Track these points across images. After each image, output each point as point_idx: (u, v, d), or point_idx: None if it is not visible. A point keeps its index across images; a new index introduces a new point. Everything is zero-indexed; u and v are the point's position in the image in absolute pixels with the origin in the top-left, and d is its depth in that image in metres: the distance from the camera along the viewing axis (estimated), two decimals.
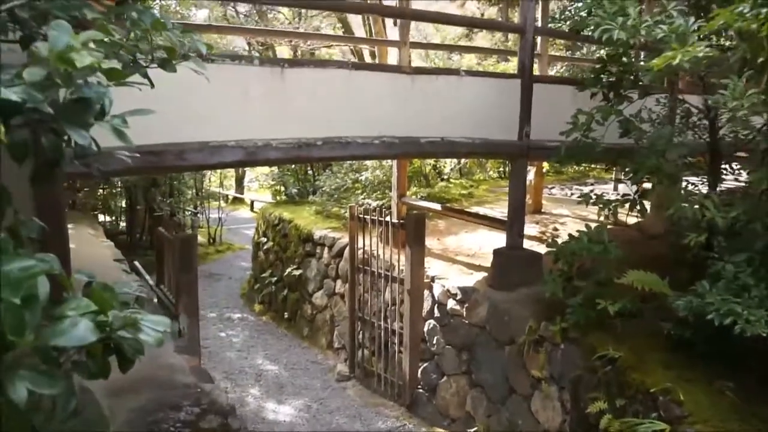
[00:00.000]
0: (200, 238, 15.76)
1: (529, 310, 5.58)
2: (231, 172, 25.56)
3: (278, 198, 12.62)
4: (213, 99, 4.52)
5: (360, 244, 7.58)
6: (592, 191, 5.29)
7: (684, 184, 5.51)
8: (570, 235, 5.22)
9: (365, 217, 7.41)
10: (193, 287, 5.35)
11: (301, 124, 4.87)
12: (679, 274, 4.93)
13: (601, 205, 4.98)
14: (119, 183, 12.50)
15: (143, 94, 4.28)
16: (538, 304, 5.62)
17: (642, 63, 4.30)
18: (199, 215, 15.99)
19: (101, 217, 13.06)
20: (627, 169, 4.96)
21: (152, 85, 2.47)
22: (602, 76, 5.07)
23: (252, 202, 21.43)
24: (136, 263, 7.58)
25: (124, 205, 13.61)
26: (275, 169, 12.98)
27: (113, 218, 13.34)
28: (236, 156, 4.58)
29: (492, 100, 5.86)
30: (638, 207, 5.01)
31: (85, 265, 6.63)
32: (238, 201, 23.79)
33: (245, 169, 22.61)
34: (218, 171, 27.22)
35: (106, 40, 1.81)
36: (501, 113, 5.91)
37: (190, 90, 4.45)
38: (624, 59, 4.76)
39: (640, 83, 5.02)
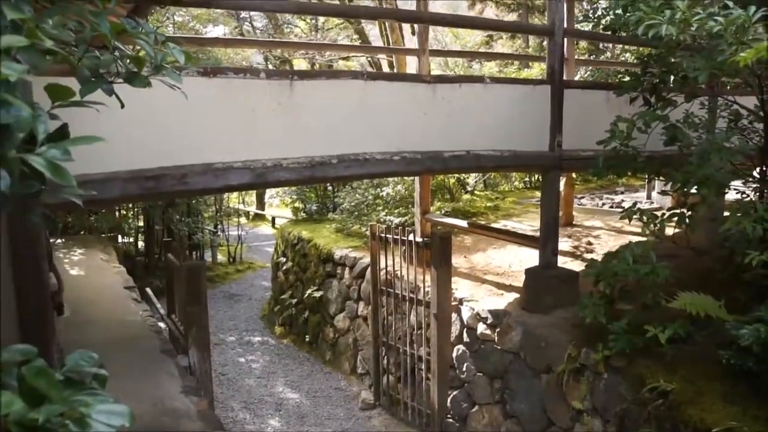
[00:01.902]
0: (220, 257, 15.54)
1: (567, 336, 5.11)
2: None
3: (298, 216, 12.26)
4: (216, 117, 4.18)
5: (382, 265, 7.18)
6: (633, 204, 4.83)
7: (733, 192, 5.06)
8: (609, 252, 4.76)
9: (387, 236, 7.01)
10: (203, 319, 4.98)
11: (313, 141, 4.49)
12: (732, 294, 4.46)
13: (645, 220, 4.50)
14: (132, 205, 12.27)
15: (139, 116, 3.95)
16: (576, 328, 5.16)
17: (692, 61, 3.83)
18: (218, 234, 15.73)
19: (121, 239, 12.86)
20: (673, 180, 4.48)
21: (122, 105, 2.11)
22: (643, 78, 4.62)
23: (273, 219, 21.14)
24: (148, 290, 7.26)
25: (141, 225, 13.39)
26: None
27: (130, 240, 13.10)
28: (243, 179, 4.21)
29: (520, 108, 5.44)
30: (687, 221, 4.53)
31: (94, 293, 6.32)
32: (259, 217, 23.57)
33: None
34: None
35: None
36: (530, 122, 5.49)
37: (190, 109, 4.06)
38: (670, 58, 4.30)
39: (687, 85, 4.55)
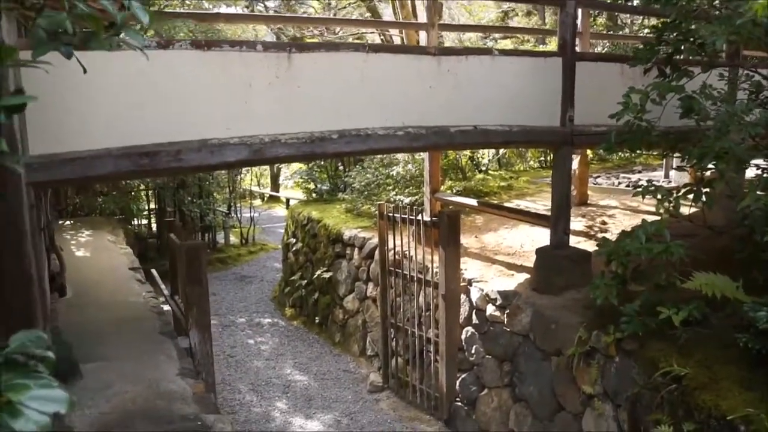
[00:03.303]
0: (233, 239, 15.49)
1: (578, 318, 4.94)
2: (267, 170, 25.34)
3: (309, 196, 12.13)
4: (212, 92, 4.04)
5: (390, 245, 7.03)
6: (648, 181, 4.62)
7: (754, 170, 4.82)
8: (623, 231, 4.56)
9: (395, 215, 6.85)
10: (203, 300, 4.88)
11: (313, 116, 4.33)
12: (751, 275, 4.26)
13: (659, 197, 4.30)
14: (141, 185, 12.22)
15: (131, 91, 3.81)
16: (588, 310, 4.99)
17: (709, 27, 3.60)
18: (231, 215, 15.67)
19: (135, 221, 12.90)
20: (690, 155, 4.27)
21: (84, 70, 1.97)
22: (658, 48, 4.38)
23: (288, 200, 21.06)
24: (153, 271, 7.18)
25: (153, 207, 13.36)
26: (303, 165, 12.49)
27: (141, 222, 13.07)
28: (240, 155, 4.07)
29: (530, 81, 5.23)
30: (703, 198, 4.32)
31: (98, 274, 6.26)
32: (274, 199, 23.52)
33: (279, 166, 22.27)
34: (254, 169, 27.24)
35: None
36: (541, 96, 5.28)
37: (185, 83, 3.97)
38: (686, 25, 4.07)
39: (704, 55, 4.32)
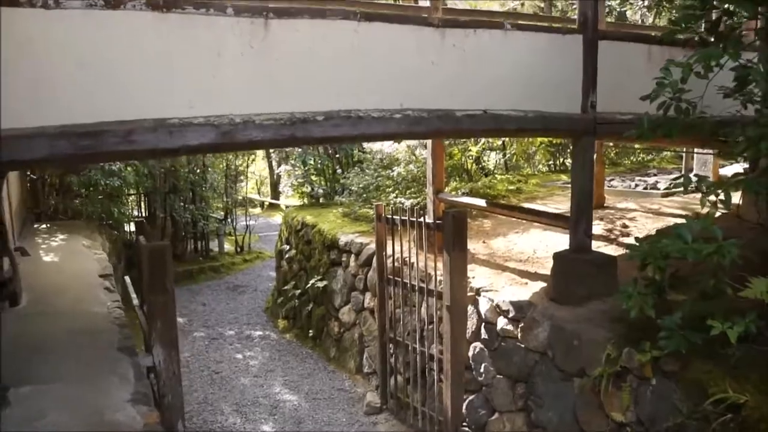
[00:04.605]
0: (228, 247, 14.83)
1: (604, 332, 4.24)
2: (267, 178, 24.70)
3: (304, 200, 11.48)
4: (172, 62, 3.39)
5: (389, 251, 6.35)
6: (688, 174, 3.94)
7: None
8: (658, 231, 3.87)
9: (394, 217, 6.17)
10: (169, 310, 4.20)
11: (294, 94, 3.69)
12: None
13: (704, 190, 3.61)
14: (130, 189, 11.59)
15: (74, 59, 3.13)
16: (616, 323, 4.30)
17: None
18: (226, 222, 15.01)
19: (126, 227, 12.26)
20: (739, 140, 3.59)
21: None
22: (702, 11, 3.70)
23: (287, 208, 20.43)
24: (126, 279, 6.51)
25: (142, 213, 12.73)
26: (300, 169, 11.85)
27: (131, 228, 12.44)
28: (205, 137, 3.42)
29: (547, 61, 4.59)
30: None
31: (63, 281, 5.58)
32: (273, 207, 22.90)
33: (280, 173, 21.64)
34: (254, 176, 26.57)
35: None
36: (559, 78, 4.64)
37: (140, 52, 3.32)
38: None
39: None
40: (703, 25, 3.91)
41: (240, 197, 17.54)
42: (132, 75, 3.28)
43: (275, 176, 23.39)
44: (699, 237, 3.50)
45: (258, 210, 22.71)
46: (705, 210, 3.68)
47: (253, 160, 25.04)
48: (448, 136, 6.09)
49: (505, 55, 4.40)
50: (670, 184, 4.06)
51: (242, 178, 19.68)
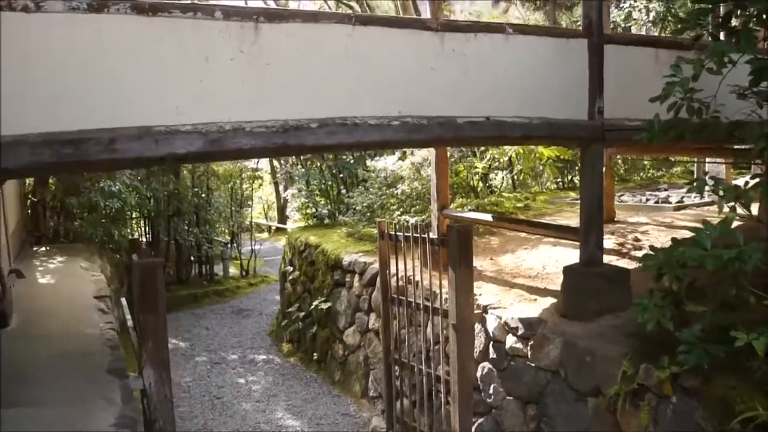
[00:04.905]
0: (233, 270, 14.66)
1: (619, 348, 4.01)
2: (274, 203, 24.59)
3: (308, 221, 11.31)
4: (158, 68, 3.24)
5: (393, 269, 6.14)
6: (697, 180, 3.73)
7: None
8: (675, 239, 3.65)
9: (398, 234, 5.97)
10: (160, 330, 3.99)
11: (286, 100, 3.53)
12: None
13: (722, 193, 3.40)
14: (133, 212, 11.48)
15: (57, 65, 2.98)
16: (631, 338, 4.07)
17: None
18: (230, 246, 14.86)
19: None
20: (758, 140, 3.39)
21: None
22: (712, 5, 3.53)
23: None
24: (123, 300, 6.32)
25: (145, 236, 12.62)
26: (303, 189, 11.70)
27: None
28: (193, 145, 3.26)
29: (551, 66, 4.42)
30: None
31: (57, 303, 5.42)
32: (281, 231, 22.76)
33: (287, 197, 21.56)
34: (261, 200, 26.47)
35: None
36: (564, 84, 4.47)
37: (124, 57, 3.17)
38: None
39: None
40: (712, 22, 3.74)
41: (247, 222, 17.41)
42: (116, 81, 3.14)
43: (282, 200, 23.32)
44: (717, 244, 3.30)
45: (265, 235, 22.61)
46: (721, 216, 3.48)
47: (261, 185, 25.01)
48: (449, 144, 5.85)
49: (508, 61, 4.25)
50: (681, 198, 3.86)
51: (249, 203, 19.61)
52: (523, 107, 4.27)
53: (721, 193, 3.43)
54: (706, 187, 3.46)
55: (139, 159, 3.20)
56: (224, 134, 3.31)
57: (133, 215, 12.07)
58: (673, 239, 3.63)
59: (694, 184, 3.55)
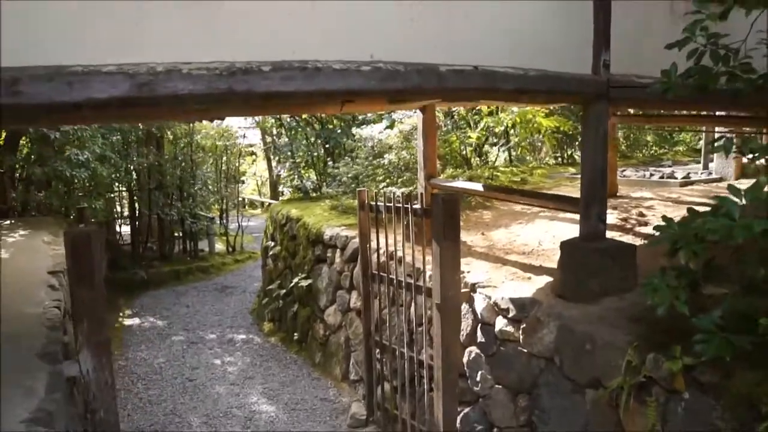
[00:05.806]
0: (220, 247, 14.17)
1: (623, 335, 3.49)
2: (268, 179, 24.02)
3: (294, 195, 10.78)
4: None
5: (375, 244, 5.62)
6: (720, 139, 3.18)
7: None
8: (691, 209, 3.11)
9: (378, 204, 5.44)
10: (97, 308, 3.49)
11: (234, 38, 2.96)
12: None
13: (751, 153, 2.86)
14: (113, 185, 10.93)
15: None
16: (637, 324, 3.55)
17: None
18: (216, 221, 14.35)
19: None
20: None
21: None
22: None
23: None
24: None
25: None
26: (287, 162, 11.15)
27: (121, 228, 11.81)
28: (116, 89, 2.69)
29: (551, 10, 3.85)
30: None
31: (4, 278, 4.92)
32: None
33: (278, 172, 20.97)
34: (254, 176, 25.90)
35: None
36: (565, 32, 3.93)
37: None
38: None
39: None
40: None
41: (240, 198, 16.89)
42: (22, 11, 2.58)
43: (275, 176, 22.80)
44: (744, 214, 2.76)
45: (258, 211, 22.11)
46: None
47: (254, 161, 24.40)
48: (430, 95, 5.10)
49: (501, 2, 3.68)
50: (688, 174, 3.31)
51: (242, 178, 19.10)
52: (518, 57, 3.71)
53: (750, 152, 2.89)
54: (733, 148, 2.92)
55: (50, 105, 2.65)
56: (156, 77, 2.75)
57: (114, 188, 11.50)
58: (689, 209, 3.09)
59: (717, 144, 3.00)
